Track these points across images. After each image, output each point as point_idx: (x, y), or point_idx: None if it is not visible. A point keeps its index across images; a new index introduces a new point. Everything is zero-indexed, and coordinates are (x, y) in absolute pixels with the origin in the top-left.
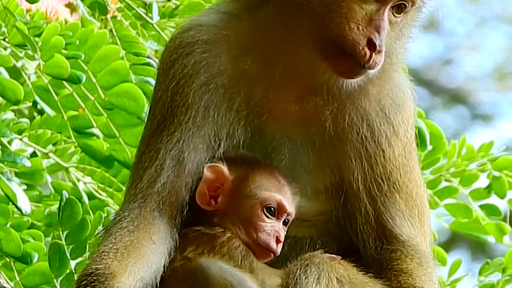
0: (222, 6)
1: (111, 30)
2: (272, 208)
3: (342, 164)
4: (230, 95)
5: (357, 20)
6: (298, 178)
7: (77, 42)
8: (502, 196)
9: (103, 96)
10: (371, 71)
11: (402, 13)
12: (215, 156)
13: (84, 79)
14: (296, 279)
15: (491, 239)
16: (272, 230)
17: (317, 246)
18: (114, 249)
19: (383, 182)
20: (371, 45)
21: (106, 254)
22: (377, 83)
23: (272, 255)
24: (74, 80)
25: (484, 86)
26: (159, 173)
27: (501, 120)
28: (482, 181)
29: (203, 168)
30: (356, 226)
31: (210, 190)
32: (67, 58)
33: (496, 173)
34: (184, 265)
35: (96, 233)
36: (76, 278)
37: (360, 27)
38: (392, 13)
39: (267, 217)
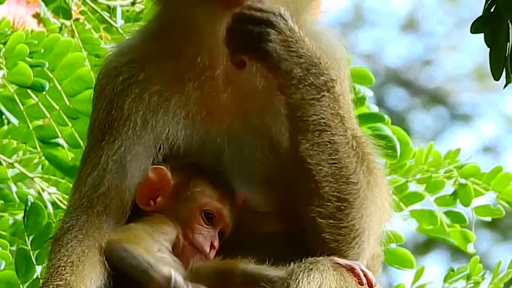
0: (142, 27)
1: (72, 32)
2: (210, 215)
3: (280, 139)
4: (164, 99)
5: None
6: (246, 171)
7: (42, 51)
8: (466, 204)
9: (68, 104)
10: None
11: None
12: (158, 161)
13: (47, 87)
14: (299, 282)
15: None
16: (208, 235)
17: (290, 240)
18: (70, 262)
19: None
20: None
21: (63, 268)
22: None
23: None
24: (37, 88)
25: (463, 87)
26: (102, 176)
27: (481, 120)
28: (448, 188)
29: (147, 172)
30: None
31: (151, 191)
32: (31, 66)
33: (462, 181)
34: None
35: (45, 240)
36: None
37: None
38: None
39: (205, 222)
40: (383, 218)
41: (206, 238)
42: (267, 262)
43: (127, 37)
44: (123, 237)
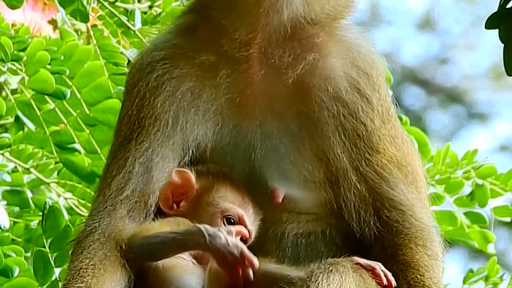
0: (177, 20)
1: (89, 38)
2: (232, 220)
3: (324, 147)
4: (196, 96)
5: None
6: (283, 170)
7: (62, 58)
8: (483, 204)
9: (87, 112)
10: None
11: None
12: (184, 163)
13: (69, 95)
14: (318, 284)
15: (477, 245)
16: None
17: (327, 241)
18: (91, 265)
19: (371, 156)
20: None
21: (85, 271)
22: (336, 46)
23: None
24: (59, 96)
25: (480, 85)
26: (127, 179)
27: (498, 119)
28: (467, 189)
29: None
30: (352, 207)
31: (174, 195)
32: (52, 73)
33: (479, 181)
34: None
35: (67, 242)
36: None
37: None
38: None
39: None
40: None
41: None
42: (299, 262)
43: (145, 40)
44: (142, 229)
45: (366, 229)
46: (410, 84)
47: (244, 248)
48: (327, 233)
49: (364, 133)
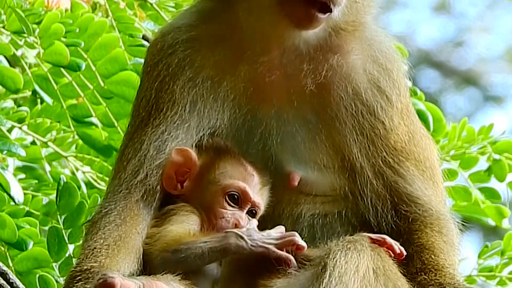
0: (198, 3)
1: (107, 11)
2: (235, 196)
3: (341, 143)
4: (216, 84)
5: None
6: (299, 156)
7: (77, 30)
8: (501, 179)
9: (102, 84)
10: (333, 14)
11: None
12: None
13: (83, 67)
14: (336, 261)
15: (491, 222)
16: (232, 217)
17: (343, 221)
18: (105, 245)
19: (388, 154)
20: None
21: (99, 250)
22: (358, 43)
23: None
24: (73, 68)
25: (495, 68)
26: (142, 163)
27: None
28: (482, 164)
29: None
30: (368, 201)
31: (178, 174)
32: (66, 45)
33: (496, 156)
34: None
35: (82, 223)
36: (69, 274)
37: None
38: None
39: (229, 204)
40: None
41: (229, 221)
42: (315, 242)
43: (166, 17)
44: (170, 240)
45: (384, 223)
46: (426, 66)
47: (277, 230)
48: (343, 214)
49: (382, 131)
